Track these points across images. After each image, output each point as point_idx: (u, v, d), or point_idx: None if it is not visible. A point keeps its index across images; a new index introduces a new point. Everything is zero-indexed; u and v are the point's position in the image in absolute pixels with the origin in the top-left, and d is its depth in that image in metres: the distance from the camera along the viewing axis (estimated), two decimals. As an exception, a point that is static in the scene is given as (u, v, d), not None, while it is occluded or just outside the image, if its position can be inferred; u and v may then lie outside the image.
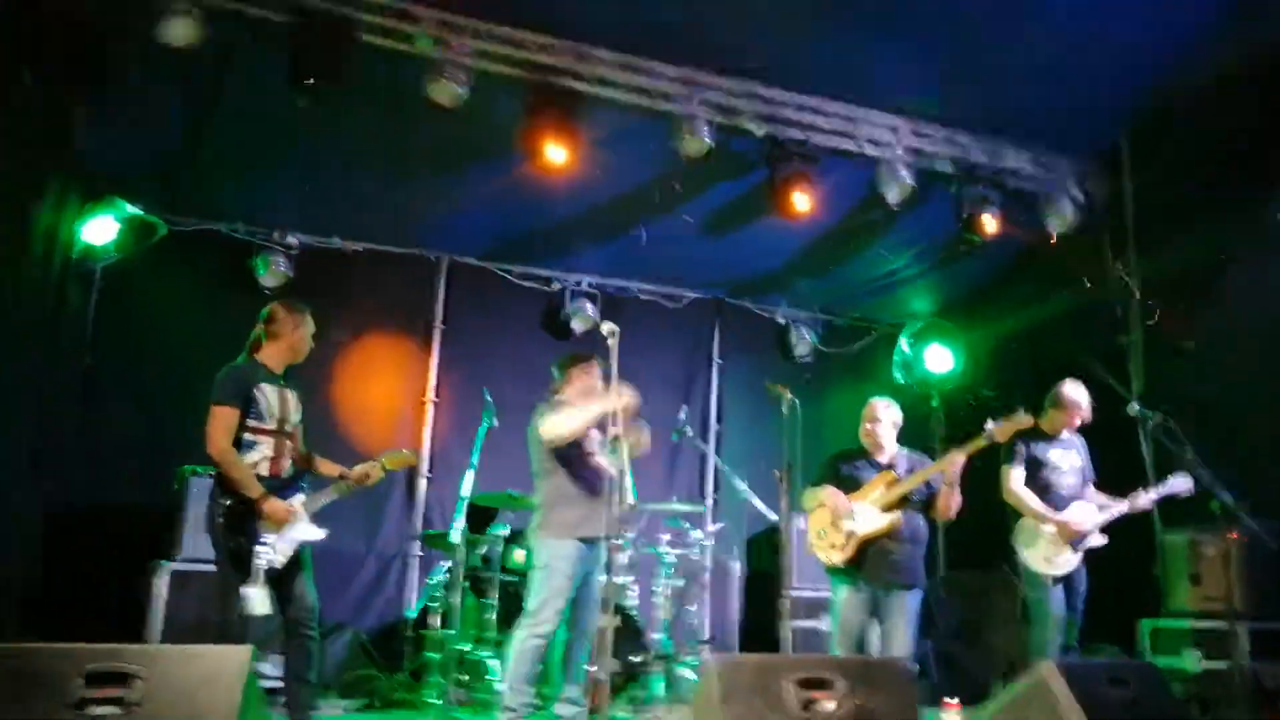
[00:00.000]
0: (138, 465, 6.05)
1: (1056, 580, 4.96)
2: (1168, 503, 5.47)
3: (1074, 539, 4.98)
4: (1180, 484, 5.01)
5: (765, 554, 7.30)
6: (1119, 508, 5.05)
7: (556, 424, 4.46)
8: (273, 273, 6.52)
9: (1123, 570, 5.73)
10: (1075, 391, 5.25)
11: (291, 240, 6.71)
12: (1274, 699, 5.05)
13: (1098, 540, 5.03)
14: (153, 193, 6.23)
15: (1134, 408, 5.17)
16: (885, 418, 4.94)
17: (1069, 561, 4.98)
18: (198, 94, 5.42)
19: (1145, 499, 5.06)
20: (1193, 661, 5.41)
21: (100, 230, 6.10)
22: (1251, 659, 5.12)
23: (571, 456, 4.55)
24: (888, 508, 4.70)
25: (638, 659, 5.64)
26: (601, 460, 4.59)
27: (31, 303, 5.50)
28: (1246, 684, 4.61)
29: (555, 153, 5.62)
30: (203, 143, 5.83)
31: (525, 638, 4.35)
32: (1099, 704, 3.30)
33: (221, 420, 4.01)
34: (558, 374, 4.81)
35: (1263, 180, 5.94)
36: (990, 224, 6.49)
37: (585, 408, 4.46)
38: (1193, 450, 4.73)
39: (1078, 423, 5.23)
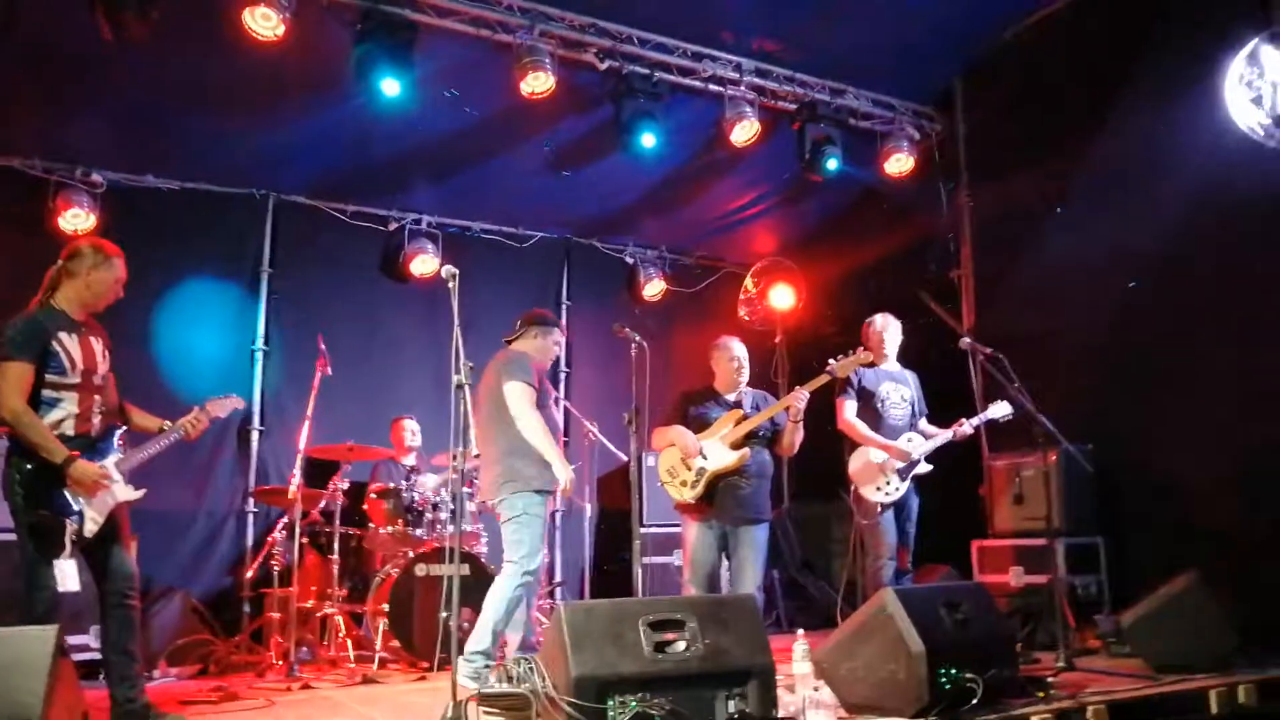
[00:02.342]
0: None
1: (886, 507, 5.16)
2: (994, 430, 5.79)
3: (902, 467, 5.18)
4: (998, 411, 5.30)
5: (615, 493, 7.33)
6: (943, 436, 5.29)
7: (526, 417, 4.55)
8: (75, 214, 5.92)
9: (955, 494, 6.05)
10: (881, 320, 5.46)
11: (97, 178, 6.11)
12: (1086, 609, 5.47)
13: (925, 467, 5.25)
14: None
15: (965, 341, 5.39)
16: (740, 355, 5.00)
17: (898, 489, 5.19)
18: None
19: (967, 427, 5.31)
20: (1016, 576, 5.78)
21: None
22: (1067, 573, 5.52)
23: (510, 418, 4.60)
24: (736, 445, 4.76)
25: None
26: (552, 414, 4.75)
27: None
28: (1062, 596, 4.92)
29: (389, 85, 5.34)
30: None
31: (515, 585, 4.44)
32: (934, 626, 3.45)
33: (13, 377, 3.58)
34: (518, 324, 4.89)
35: (1090, 121, 6.23)
36: (831, 163, 6.61)
37: (550, 444, 4.57)
38: (1018, 381, 4.96)
39: (890, 349, 5.42)
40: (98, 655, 4.46)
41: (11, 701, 2.38)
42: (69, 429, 3.68)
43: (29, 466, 3.58)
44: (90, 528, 3.64)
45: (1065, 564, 5.48)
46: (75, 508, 3.62)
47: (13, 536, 3.75)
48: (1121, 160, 6.06)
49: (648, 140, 6.07)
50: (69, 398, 3.71)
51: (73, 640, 4.42)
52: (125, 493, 3.79)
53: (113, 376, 3.93)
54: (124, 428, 3.94)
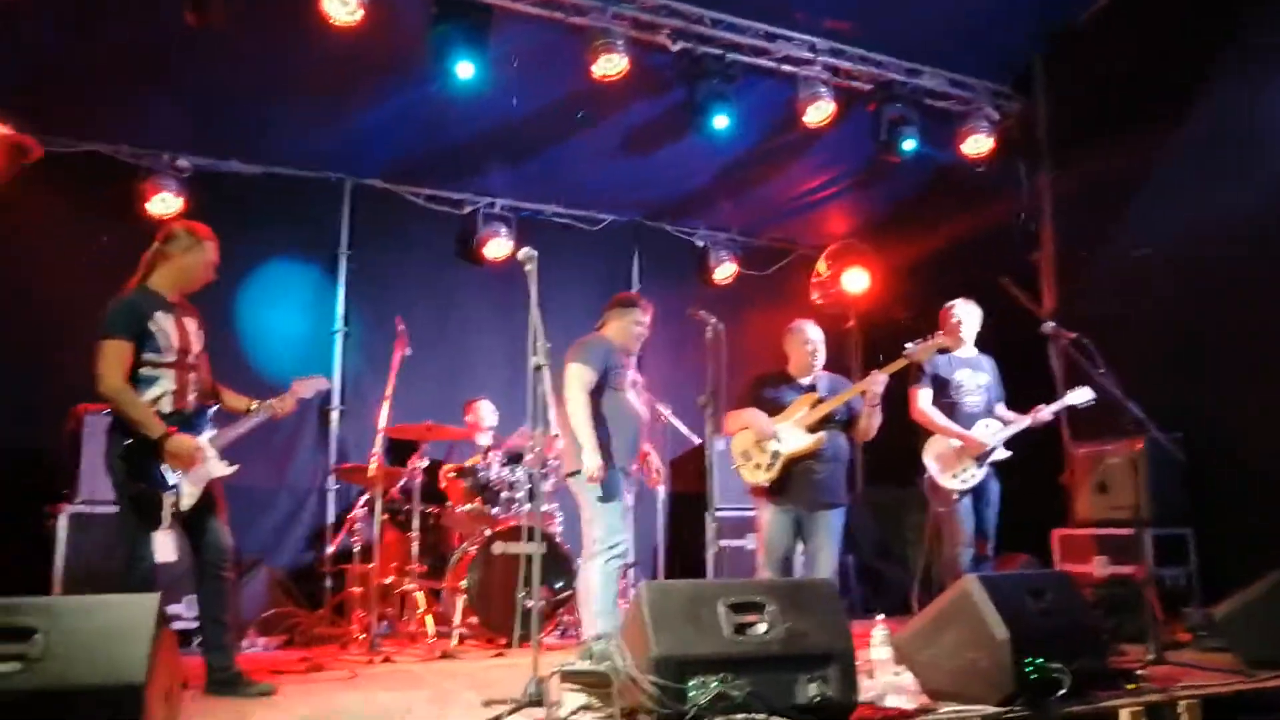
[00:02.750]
0: (26, 406, 5.67)
1: (963, 494, 5.08)
2: (1076, 416, 5.64)
3: (978, 454, 5.08)
4: (1078, 397, 5.16)
5: (689, 476, 7.32)
6: (1021, 423, 5.17)
7: (570, 397, 4.54)
8: (163, 198, 6.09)
9: (1035, 482, 5.91)
10: (959, 307, 5.33)
11: (183, 163, 6.28)
12: (1174, 601, 5.31)
13: (1004, 453, 5.15)
14: (24, 110, 5.73)
15: (1048, 326, 5.25)
16: (815, 339, 4.96)
17: (975, 476, 5.09)
18: (71, 5, 4.99)
19: (1046, 413, 5.19)
20: (1100, 566, 5.64)
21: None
22: (1155, 564, 5.37)
23: (605, 390, 4.62)
24: (811, 429, 4.72)
25: (565, 586, 5.62)
26: (626, 400, 4.69)
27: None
28: (1150, 587, 4.80)
29: (464, 68, 5.39)
30: (78, 57, 5.37)
31: (603, 563, 4.43)
32: (1019, 614, 3.39)
33: (113, 355, 3.72)
34: (604, 313, 4.92)
35: (1176, 98, 6.02)
36: (908, 144, 6.49)
37: (586, 428, 4.50)
38: (1103, 366, 4.82)
39: (968, 335, 5.31)
40: (191, 624, 4.64)
41: (116, 667, 2.47)
42: (166, 406, 3.82)
43: (128, 442, 3.72)
44: (187, 501, 3.77)
45: (1153, 555, 5.33)
46: (172, 481, 3.75)
47: (112, 509, 3.90)
48: (1209, 138, 5.85)
49: (720, 122, 6.02)
50: (166, 375, 3.83)
51: (168, 610, 4.57)
52: (219, 468, 3.91)
53: (206, 356, 4.05)
54: (216, 406, 4.06)
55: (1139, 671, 3.69)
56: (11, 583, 2.62)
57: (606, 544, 4.45)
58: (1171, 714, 3.37)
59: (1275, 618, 4.13)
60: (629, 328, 4.81)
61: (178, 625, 4.85)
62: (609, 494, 4.50)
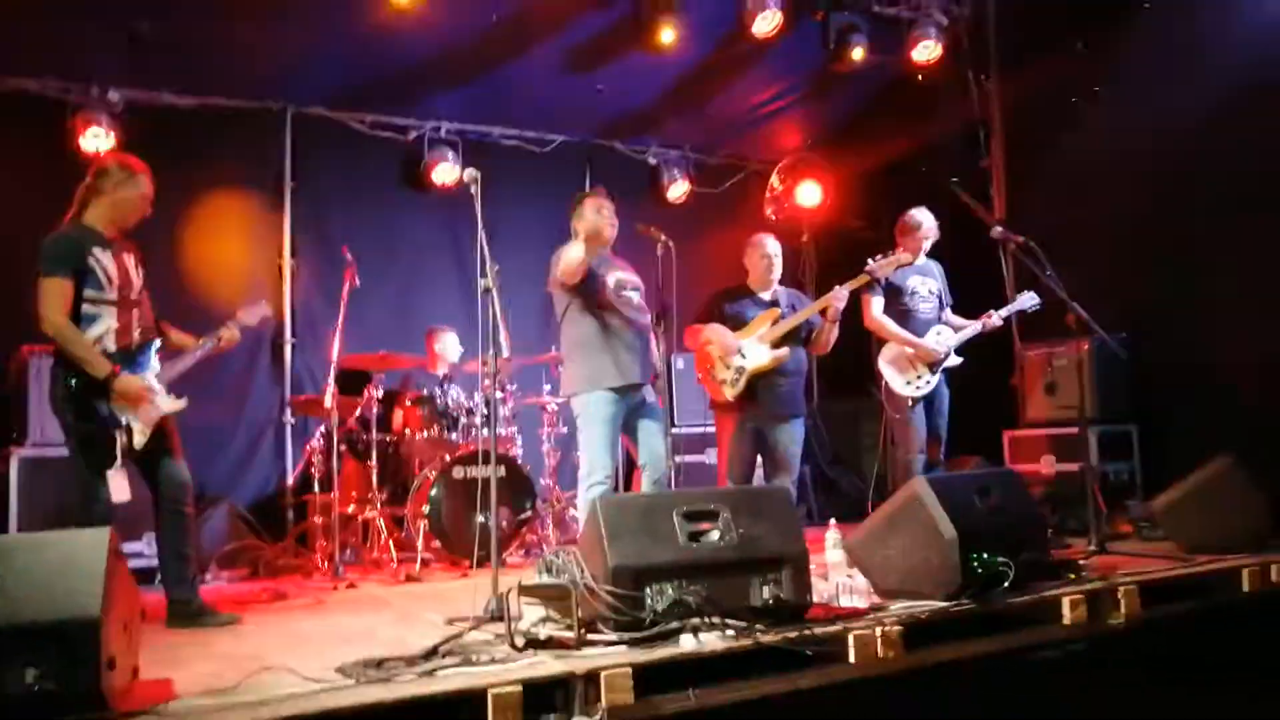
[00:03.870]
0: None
1: (916, 401, 5.17)
2: (1026, 320, 5.74)
3: (931, 362, 5.16)
4: (1027, 301, 5.26)
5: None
6: (972, 328, 5.25)
7: (556, 262, 4.39)
8: (95, 134, 5.89)
9: (985, 385, 6.03)
10: (919, 215, 5.36)
11: (114, 97, 6.07)
12: (1118, 495, 5.50)
13: (955, 360, 5.24)
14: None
15: (997, 231, 5.30)
16: (774, 252, 4.98)
17: (929, 383, 5.19)
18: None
19: (996, 318, 5.28)
20: (1048, 465, 5.80)
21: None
22: (1100, 460, 5.53)
23: (587, 300, 4.46)
24: (775, 344, 4.78)
25: (527, 507, 5.68)
26: (621, 303, 4.48)
27: None
28: (1093, 482, 4.94)
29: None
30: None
31: (585, 494, 4.31)
32: (967, 513, 3.48)
33: (53, 293, 3.65)
34: (571, 215, 4.60)
35: (1120, 3, 6.00)
36: (857, 53, 6.43)
37: (578, 243, 4.31)
38: (1051, 269, 4.89)
39: (926, 245, 5.35)
40: (152, 562, 4.64)
41: (71, 602, 2.46)
42: (110, 344, 3.76)
43: (75, 381, 3.67)
44: (139, 439, 3.75)
45: (1098, 451, 5.49)
46: (122, 420, 3.71)
47: (64, 451, 3.86)
48: (1161, 42, 5.85)
49: (667, 35, 5.92)
50: (108, 313, 3.77)
51: (127, 548, 4.56)
52: (169, 403, 3.88)
53: (147, 294, 3.98)
54: (159, 341, 4.00)
55: (1081, 562, 3.83)
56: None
57: (587, 477, 4.35)
58: (1111, 600, 3.51)
59: (1212, 505, 4.30)
60: (590, 219, 4.44)
61: (138, 563, 4.83)
62: (589, 416, 4.39)
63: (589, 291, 4.46)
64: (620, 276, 4.58)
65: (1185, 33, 5.69)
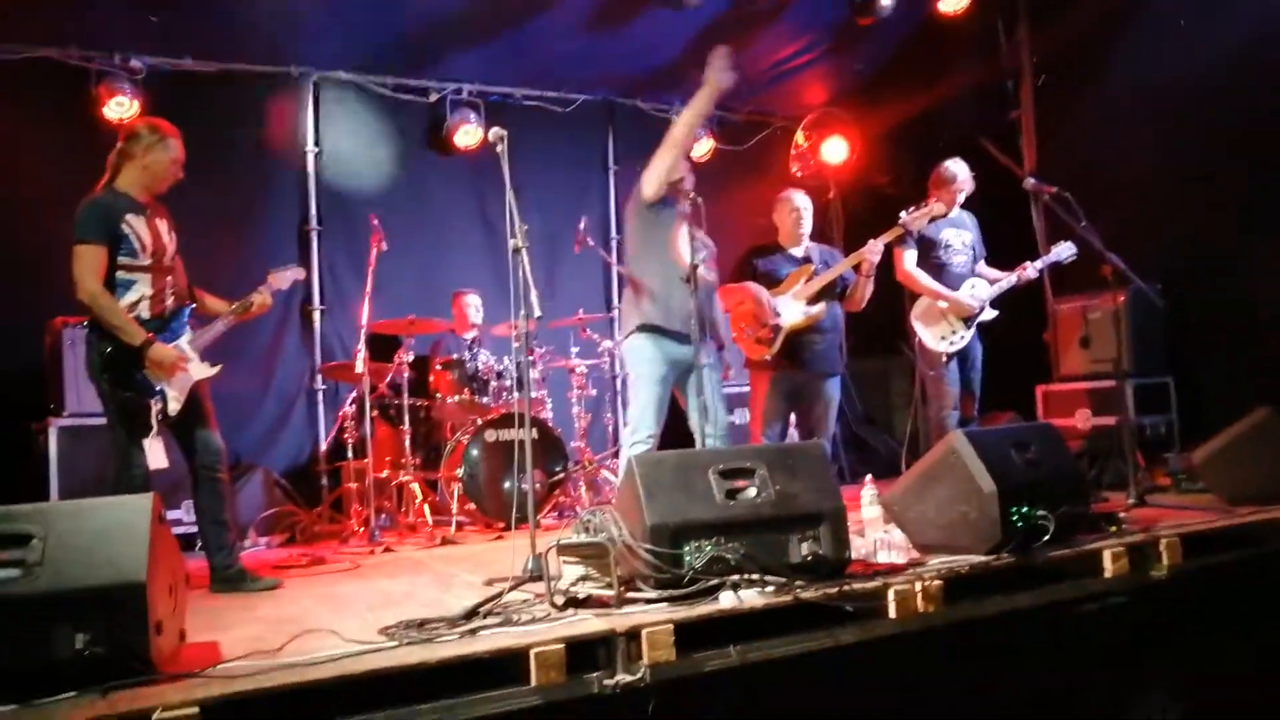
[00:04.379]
0: (1, 325, 5.58)
1: (950, 356, 5.11)
2: (1058, 273, 5.66)
3: (966, 316, 5.10)
4: (1063, 251, 5.16)
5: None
6: (1006, 280, 5.17)
7: (650, 170, 4.08)
8: (119, 101, 5.88)
9: (1018, 340, 5.96)
10: (954, 167, 5.25)
11: (136, 64, 6.06)
12: (1156, 448, 5.43)
13: (989, 314, 5.17)
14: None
15: (1029, 182, 5.20)
16: (806, 208, 4.93)
17: (963, 338, 5.12)
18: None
19: (1031, 270, 5.19)
20: (1083, 419, 5.74)
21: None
22: (1137, 413, 5.46)
23: (657, 237, 4.18)
24: (810, 301, 4.74)
25: (559, 469, 5.70)
26: (684, 248, 4.11)
27: None
28: (1131, 436, 4.89)
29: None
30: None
31: (626, 451, 4.10)
32: (1005, 467, 3.44)
33: (88, 260, 3.64)
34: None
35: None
36: (884, 4, 6.30)
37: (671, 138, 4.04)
38: (1085, 220, 4.80)
39: (960, 198, 5.26)
40: (191, 529, 4.70)
41: (115, 566, 2.48)
42: (144, 311, 3.76)
43: (109, 349, 3.68)
44: (174, 407, 3.76)
45: (1134, 404, 5.42)
46: (157, 388, 3.73)
47: (102, 420, 3.90)
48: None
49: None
50: (142, 279, 3.77)
51: (165, 514, 4.62)
52: (202, 370, 3.89)
53: (180, 259, 3.98)
54: (193, 306, 4.01)
55: (1121, 515, 3.78)
56: (8, 502, 2.61)
57: (631, 434, 4.17)
58: (1154, 552, 3.47)
59: (1253, 456, 4.24)
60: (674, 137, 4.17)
61: (178, 530, 4.89)
62: (634, 365, 4.18)
63: (661, 226, 4.19)
64: (692, 230, 4.27)
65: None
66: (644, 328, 4.19)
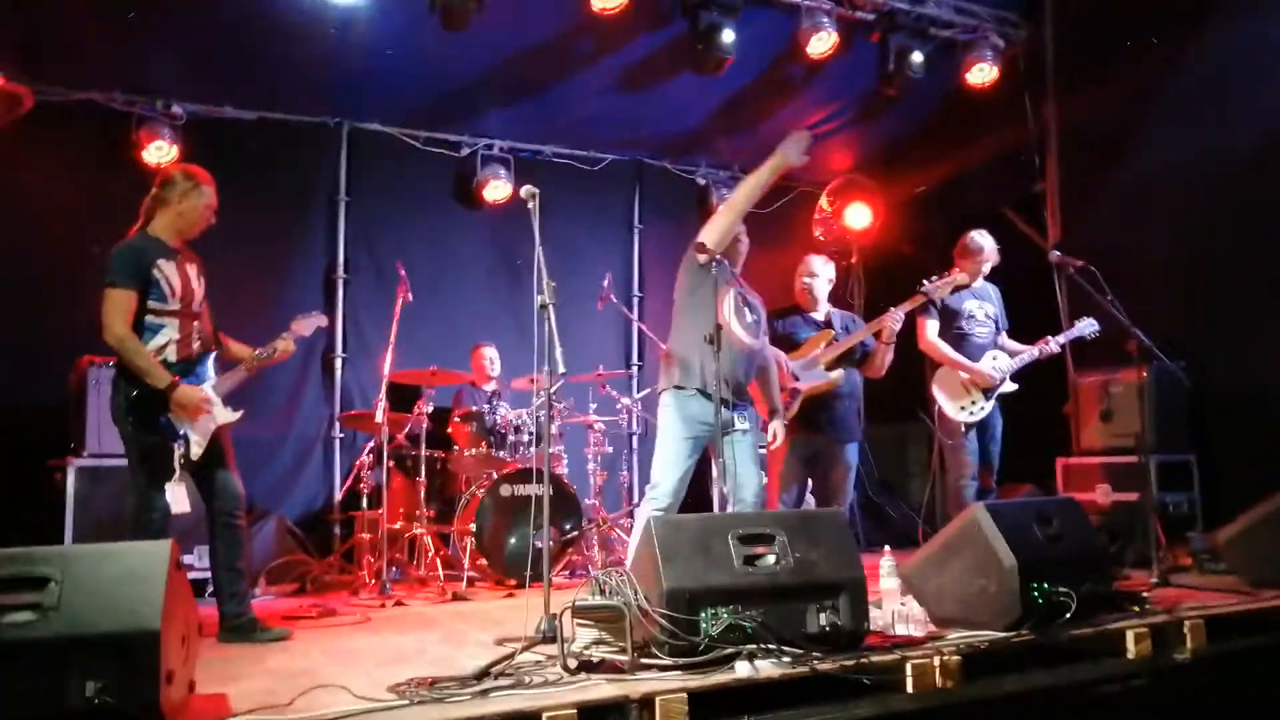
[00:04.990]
0: (29, 360, 5.65)
1: (970, 427, 5.08)
2: (1079, 347, 5.64)
3: (987, 387, 5.08)
4: (1086, 327, 5.16)
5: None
6: (1029, 354, 5.16)
7: (711, 226, 4.04)
8: (159, 146, 6.01)
9: (1038, 412, 5.92)
10: (980, 239, 5.27)
11: (177, 110, 6.20)
12: (1178, 526, 5.35)
13: (1010, 386, 5.15)
14: (14, 59, 5.63)
15: (1054, 255, 5.21)
16: (823, 273, 4.98)
17: (983, 409, 5.10)
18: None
19: (1054, 344, 5.19)
20: (1104, 494, 5.67)
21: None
22: (1159, 490, 5.40)
23: (703, 298, 4.02)
24: (830, 366, 4.74)
25: (573, 526, 5.66)
26: (736, 315, 4.12)
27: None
28: (1153, 513, 4.83)
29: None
30: (63, 2, 5.26)
31: (645, 510, 3.96)
32: (1026, 540, 3.41)
33: (118, 304, 3.70)
34: None
35: (1184, 26, 5.91)
36: (911, 75, 6.39)
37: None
38: (1109, 293, 4.79)
39: (985, 269, 5.28)
40: (203, 574, 4.67)
41: (130, 612, 2.47)
42: (171, 355, 3.81)
43: (135, 392, 3.72)
44: (195, 451, 3.78)
45: (1156, 481, 5.36)
46: (180, 432, 3.75)
47: (120, 462, 3.91)
48: (1217, 66, 5.77)
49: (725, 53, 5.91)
50: (170, 324, 3.82)
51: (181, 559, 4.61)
52: (225, 415, 3.92)
53: (208, 304, 4.03)
54: (217, 353, 4.05)
55: (1144, 594, 3.72)
56: (22, 540, 2.61)
57: (650, 490, 4.01)
58: (1177, 634, 3.40)
59: (1277, 539, 4.16)
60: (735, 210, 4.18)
61: (190, 576, 4.86)
62: (664, 422, 4.06)
63: (707, 287, 4.00)
64: (741, 293, 4.27)
65: (1246, 53, 5.59)
66: (680, 387, 4.07)
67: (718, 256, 4.01)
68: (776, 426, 4.21)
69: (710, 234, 4.03)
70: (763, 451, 4.32)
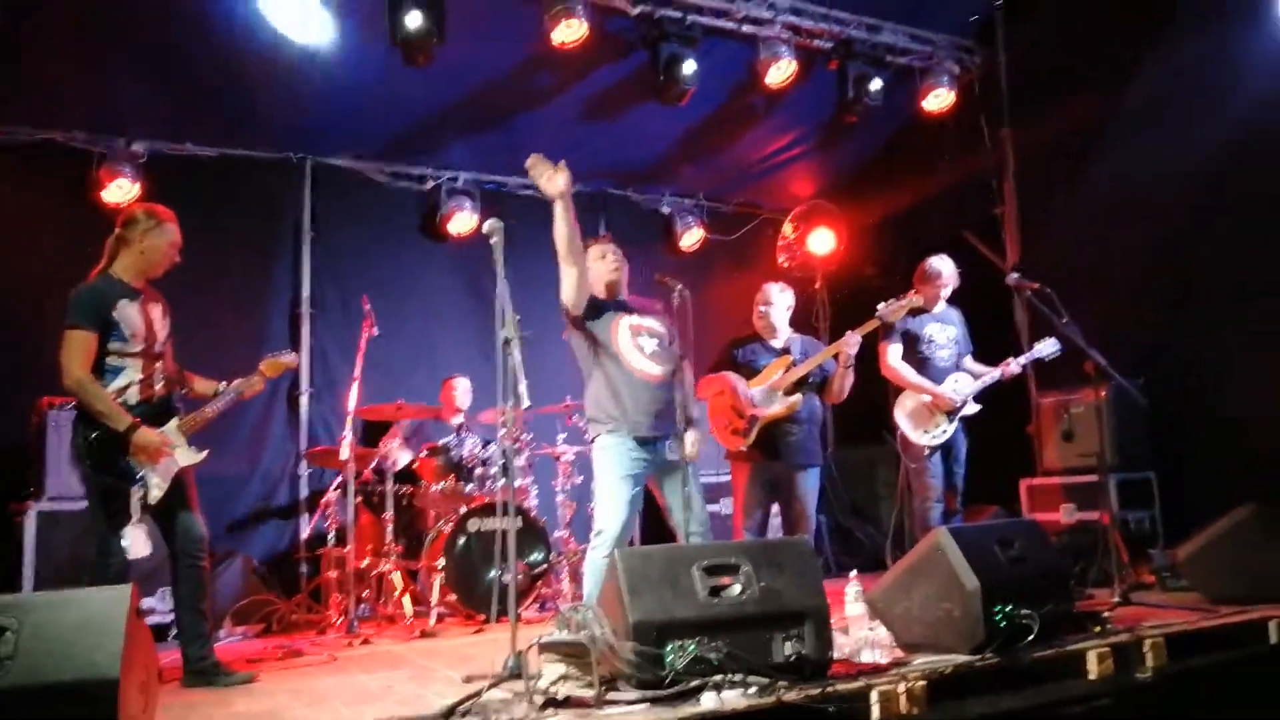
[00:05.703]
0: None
1: (934, 450, 5.13)
2: (1041, 368, 5.72)
3: (949, 410, 5.14)
4: (1047, 348, 5.23)
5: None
6: (991, 376, 5.23)
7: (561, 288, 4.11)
8: (119, 184, 5.97)
9: (1002, 433, 6.00)
10: (938, 264, 5.35)
11: (138, 148, 6.17)
12: (1139, 543, 5.43)
13: (973, 408, 5.21)
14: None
15: (1012, 278, 5.30)
16: (779, 302, 5.00)
17: (946, 432, 5.16)
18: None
19: (1015, 366, 5.25)
20: (1067, 513, 5.74)
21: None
22: (1120, 508, 5.47)
23: (595, 347, 4.16)
24: (787, 392, 4.76)
25: (541, 559, 5.64)
26: (631, 351, 4.14)
27: None
28: (1115, 531, 4.89)
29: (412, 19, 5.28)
30: (23, 40, 5.25)
31: (591, 555, 3.96)
32: (989, 563, 3.44)
33: (76, 346, 3.67)
34: None
35: (1136, 48, 6.05)
36: (870, 102, 6.50)
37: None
38: (1067, 316, 4.88)
39: (945, 293, 5.35)
40: (166, 617, 4.62)
41: (88, 661, 2.45)
42: (132, 396, 3.77)
43: (94, 435, 3.67)
44: (155, 493, 3.74)
45: (1118, 499, 5.44)
46: (139, 475, 3.71)
47: (81, 505, 3.86)
48: (1169, 87, 5.91)
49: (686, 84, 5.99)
50: (132, 365, 3.79)
51: (141, 604, 4.55)
52: (188, 456, 3.88)
53: (172, 343, 4.00)
54: (183, 392, 4.02)
55: (1105, 614, 3.76)
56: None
57: (595, 537, 3.99)
58: (1137, 653, 3.44)
59: (1237, 555, 4.24)
60: (594, 268, 4.32)
61: (152, 619, 4.82)
62: (601, 465, 4.07)
63: (597, 338, 4.18)
64: (635, 322, 4.27)
65: (1197, 74, 5.74)
66: (606, 429, 4.09)
67: (602, 297, 4.18)
68: (691, 437, 4.10)
69: (563, 295, 4.13)
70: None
